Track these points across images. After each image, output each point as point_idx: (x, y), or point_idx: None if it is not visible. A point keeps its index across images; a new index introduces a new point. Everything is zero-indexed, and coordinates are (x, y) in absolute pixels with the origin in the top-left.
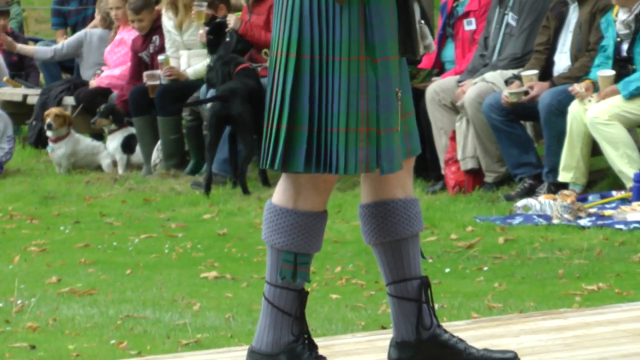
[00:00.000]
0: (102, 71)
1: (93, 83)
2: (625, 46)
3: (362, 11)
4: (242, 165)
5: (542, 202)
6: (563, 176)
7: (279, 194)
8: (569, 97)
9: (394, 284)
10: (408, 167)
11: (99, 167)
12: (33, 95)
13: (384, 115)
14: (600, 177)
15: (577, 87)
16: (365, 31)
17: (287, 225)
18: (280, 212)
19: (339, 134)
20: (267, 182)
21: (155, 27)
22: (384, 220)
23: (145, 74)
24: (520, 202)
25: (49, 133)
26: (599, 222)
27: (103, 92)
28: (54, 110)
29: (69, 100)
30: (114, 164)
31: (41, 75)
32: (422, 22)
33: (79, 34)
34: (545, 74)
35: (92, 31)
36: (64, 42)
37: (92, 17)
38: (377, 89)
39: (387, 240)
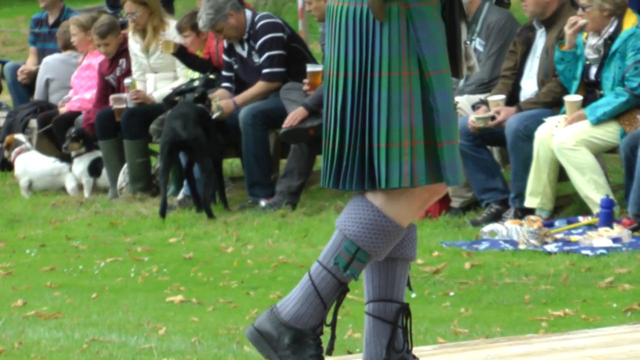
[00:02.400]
0: (70, 97)
1: (63, 108)
2: (593, 70)
3: (404, 27)
4: (204, 191)
5: (509, 228)
6: (530, 201)
7: (374, 193)
8: (536, 122)
9: (374, 302)
10: None
11: (63, 189)
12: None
13: (445, 128)
14: (566, 203)
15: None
16: (409, 46)
17: (366, 219)
18: (366, 206)
19: (380, 148)
20: (227, 207)
21: (122, 51)
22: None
23: (111, 97)
24: (487, 228)
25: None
26: (566, 248)
27: (70, 116)
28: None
29: (35, 123)
30: (80, 187)
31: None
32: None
33: (42, 67)
34: (512, 99)
35: (54, 57)
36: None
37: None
38: (435, 101)
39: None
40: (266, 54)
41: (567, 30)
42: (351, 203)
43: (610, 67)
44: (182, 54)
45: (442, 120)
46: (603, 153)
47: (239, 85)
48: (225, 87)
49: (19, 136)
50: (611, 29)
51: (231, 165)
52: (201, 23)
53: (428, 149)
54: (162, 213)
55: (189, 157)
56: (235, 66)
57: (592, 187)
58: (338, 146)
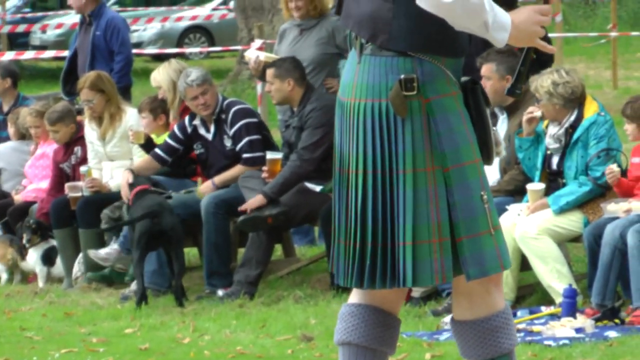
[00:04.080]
0: (24, 186)
1: (19, 198)
2: (555, 159)
3: (426, 122)
4: (178, 280)
5: None
6: None
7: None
8: (498, 211)
9: None
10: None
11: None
12: None
13: (465, 222)
14: (529, 293)
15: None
16: (431, 141)
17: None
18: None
19: (405, 247)
20: (185, 296)
21: (77, 138)
22: (485, 337)
23: (67, 185)
24: (448, 318)
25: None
26: (528, 338)
27: (24, 206)
28: None
29: None
30: (34, 276)
31: None
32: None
33: None
34: None
35: (6, 145)
36: None
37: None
38: (452, 196)
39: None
40: (246, 139)
41: (523, 119)
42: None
43: (573, 156)
44: (149, 144)
45: (462, 214)
46: (566, 242)
47: (203, 168)
48: (157, 156)
49: None
50: (572, 118)
51: (188, 254)
52: (193, 76)
53: (454, 244)
54: (139, 302)
55: (165, 247)
56: (199, 151)
57: (554, 276)
58: (360, 245)
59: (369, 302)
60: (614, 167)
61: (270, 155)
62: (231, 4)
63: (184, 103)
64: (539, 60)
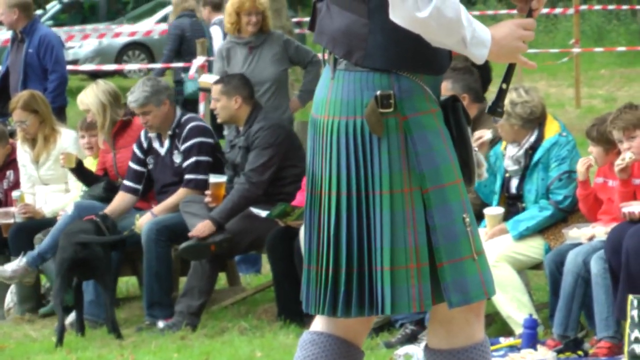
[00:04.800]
0: None
1: None
2: (514, 182)
3: (403, 140)
4: (110, 309)
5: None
6: None
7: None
8: None
9: None
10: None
11: None
12: None
13: (446, 246)
14: (487, 323)
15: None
16: (409, 161)
17: None
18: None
19: (383, 272)
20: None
21: (9, 162)
22: None
23: None
24: (401, 350)
25: None
26: None
27: None
28: None
29: None
30: None
31: None
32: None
33: None
34: None
35: None
36: None
37: None
38: (432, 219)
39: None
40: (194, 159)
41: (473, 145)
42: None
43: (533, 179)
44: (80, 169)
45: (442, 239)
46: (526, 269)
47: (148, 184)
48: (127, 188)
49: None
50: (532, 139)
51: (126, 283)
52: (132, 98)
53: (433, 270)
54: (60, 339)
55: (92, 276)
56: (150, 165)
57: (514, 306)
58: (332, 270)
59: (332, 332)
60: (626, 156)
61: (213, 178)
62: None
63: (117, 124)
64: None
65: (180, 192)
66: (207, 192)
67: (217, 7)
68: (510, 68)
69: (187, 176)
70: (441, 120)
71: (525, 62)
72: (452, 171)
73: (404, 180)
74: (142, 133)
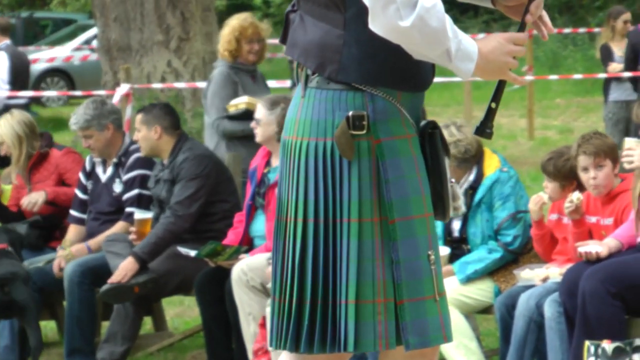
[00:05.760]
0: None
1: None
2: (457, 225)
3: (375, 166)
4: (35, 357)
5: None
6: None
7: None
8: None
9: None
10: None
11: None
12: None
13: (408, 283)
14: None
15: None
16: (379, 188)
17: None
18: None
19: (347, 306)
20: None
21: None
22: None
23: None
24: None
25: None
26: None
27: None
28: None
29: None
30: None
31: None
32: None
33: None
34: None
35: None
36: None
37: None
38: (397, 252)
39: None
40: (136, 191)
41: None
42: None
43: (477, 221)
44: None
45: (405, 274)
46: (475, 313)
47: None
48: (75, 219)
49: None
50: (471, 177)
51: (45, 328)
52: (74, 119)
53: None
54: None
55: (19, 320)
56: (90, 189)
57: (462, 352)
58: (296, 302)
59: None
60: (574, 198)
61: (138, 215)
62: (94, 44)
63: (33, 157)
64: None
65: (119, 226)
66: (132, 228)
67: (4, 31)
68: (500, 85)
69: (128, 209)
70: (417, 147)
71: (515, 79)
72: (422, 203)
73: (373, 209)
74: (88, 157)
